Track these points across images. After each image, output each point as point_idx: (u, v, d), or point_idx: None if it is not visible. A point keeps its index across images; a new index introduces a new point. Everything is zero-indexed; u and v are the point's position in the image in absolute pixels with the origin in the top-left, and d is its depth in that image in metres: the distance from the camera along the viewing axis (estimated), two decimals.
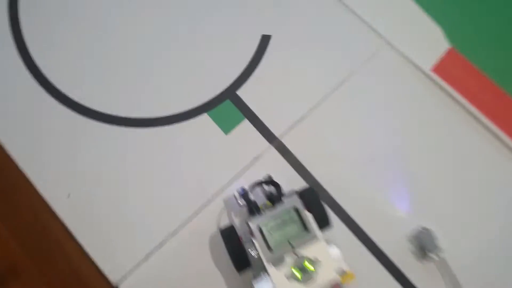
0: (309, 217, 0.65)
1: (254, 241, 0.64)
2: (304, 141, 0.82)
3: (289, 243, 0.64)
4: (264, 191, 0.71)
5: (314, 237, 0.64)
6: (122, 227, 0.76)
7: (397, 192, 0.79)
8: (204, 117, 0.84)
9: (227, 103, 0.86)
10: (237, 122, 0.84)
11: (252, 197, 0.69)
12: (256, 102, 0.85)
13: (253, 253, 0.65)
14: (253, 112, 0.89)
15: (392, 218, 0.77)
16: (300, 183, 0.78)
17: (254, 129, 0.83)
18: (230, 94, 0.86)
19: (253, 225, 0.65)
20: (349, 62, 0.87)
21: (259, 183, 0.71)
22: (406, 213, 0.77)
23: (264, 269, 0.63)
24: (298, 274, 0.62)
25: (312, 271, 0.62)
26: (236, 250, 0.66)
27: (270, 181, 0.71)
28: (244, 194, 0.69)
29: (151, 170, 0.80)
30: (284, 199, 0.67)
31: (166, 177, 0.79)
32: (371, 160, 0.80)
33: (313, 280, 0.61)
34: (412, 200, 0.78)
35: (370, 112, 0.85)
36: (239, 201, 0.69)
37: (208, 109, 0.85)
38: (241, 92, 0.86)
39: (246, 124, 0.84)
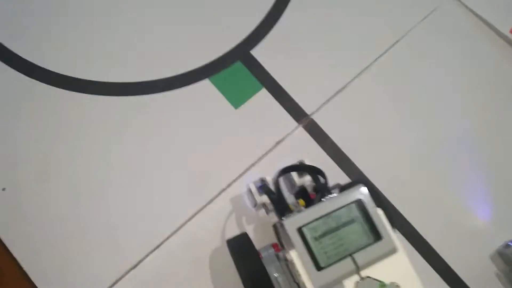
0: (381, 217, 0.48)
1: (289, 254, 0.45)
2: (343, 120, 0.66)
3: (351, 258, 0.45)
4: (291, 184, 0.55)
5: (391, 247, 0.46)
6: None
7: (473, 193, 0.63)
8: (205, 84, 0.66)
9: (238, 66, 0.68)
10: (251, 92, 0.66)
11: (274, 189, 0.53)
12: (278, 67, 0.68)
13: (280, 278, 0.49)
14: (273, 79, 0.67)
15: (467, 229, 0.62)
16: (340, 177, 0.63)
17: (276, 102, 0.66)
18: (242, 54, 0.69)
19: (290, 226, 0.45)
20: (402, 19, 0.73)
21: (287, 170, 0.54)
22: (487, 222, 0.62)
23: None
24: None
25: None
26: (253, 271, 0.49)
27: (307, 167, 0.54)
28: (263, 187, 0.53)
29: (124, 162, 0.62)
30: (336, 191, 0.50)
31: (146, 173, 0.62)
32: (435, 147, 0.66)
33: None
34: (494, 205, 0.62)
35: (431, 82, 0.69)
36: (255, 198, 0.53)
37: (211, 74, 0.67)
38: (257, 52, 0.69)
39: (263, 95, 0.66)
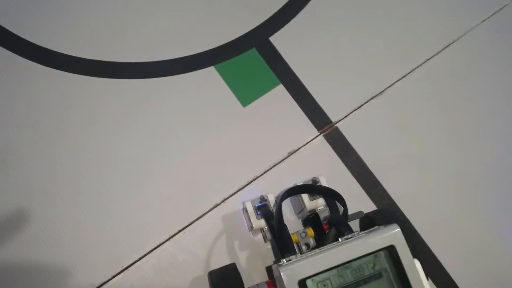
0: (420, 272, 0.35)
1: None
2: (374, 132, 0.54)
3: None
4: (300, 206, 0.45)
5: None
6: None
7: None
8: (209, 73, 0.54)
9: (251, 54, 0.56)
10: (265, 87, 0.54)
11: (276, 214, 0.42)
12: (301, 60, 0.56)
13: None
14: (294, 74, 0.55)
15: None
16: (363, 201, 0.50)
17: (294, 103, 0.54)
18: (258, 40, 0.56)
19: (289, 277, 0.34)
20: (462, 16, 0.59)
21: (295, 191, 0.44)
22: None
23: None
24: None
25: None
26: None
27: (322, 189, 0.44)
28: (262, 208, 0.44)
29: (112, 161, 0.51)
30: (356, 229, 0.39)
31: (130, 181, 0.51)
32: (485, 177, 0.52)
33: None
34: None
35: (486, 95, 0.56)
36: (251, 220, 0.43)
37: (218, 60, 0.55)
38: (276, 40, 0.57)
39: (279, 93, 0.54)
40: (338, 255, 0.34)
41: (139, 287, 0.45)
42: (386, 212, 0.43)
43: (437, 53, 0.57)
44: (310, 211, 0.44)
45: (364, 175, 0.50)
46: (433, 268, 0.47)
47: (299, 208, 0.45)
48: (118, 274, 0.45)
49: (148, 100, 0.52)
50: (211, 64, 0.53)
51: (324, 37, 0.57)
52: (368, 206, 0.49)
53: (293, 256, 0.35)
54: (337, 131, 0.52)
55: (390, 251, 0.34)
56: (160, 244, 0.46)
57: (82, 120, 0.51)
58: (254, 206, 0.43)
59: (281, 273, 0.33)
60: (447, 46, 0.57)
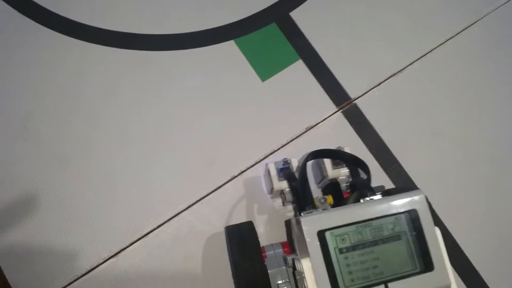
0: (439, 240, 0.35)
1: (300, 263, 0.34)
2: (393, 110, 0.53)
3: (385, 286, 0.34)
4: (322, 174, 0.45)
5: (445, 284, 0.34)
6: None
7: None
8: (229, 47, 0.54)
9: (272, 29, 0.55)
10: (284, 62, 0.54)
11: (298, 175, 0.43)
12: (321, 35, 0.56)
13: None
14: (314, 49, 0.55)
15: None
16: (381, 179, 0.50)
17: (313, 78, 0.53)
18: (278, 15, 0.56)
19: (309, 226, 0.34)
20: None
21: (320, 154, 0.43)
22: None
23: None
24: None
25: None
26: (250, 271, 0.38)
27: (347, 156, 0.43)
28: (284, 170, 0.44)
29: (120, 128, 0.51)
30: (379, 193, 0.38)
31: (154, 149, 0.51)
32: (506, 156, 0.51)
33: None
34: None
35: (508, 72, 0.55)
36: (272, 182, 0.44)
37: (238, 34, 0.54)
38: (297, 15, 0.56)
39: (298, 68, 0.54)
40: (359, 212, 0.34)
41: (156, 254, 0.46)
42: (407, 189, 0.43)
43: (457, 33, 0.56)
44: (331, 180, 0.44)
45: (381, 152, 0.50)
46: (450, 249, 0.47)
47: (320, 177, 0.45)
48: (137, 241, 0.46)
49: (169, 71, 0.52)
50: (231, 38, 0.53)
51: (344, 13, 0.56)
52: (385, 183, 0.49)
53: (314, 210, 0.35)
54: (356, 107, 0.52)
55: (412, 215, 0.34)
56: (178, 213, 0.47)
57: (101, 90, 0.51)
58: (277, 168, 0.43)
59: (302, 222, 0.33)
60: (468, 26, 0.56)
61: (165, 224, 0.47)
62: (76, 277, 0.45)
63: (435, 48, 0.55)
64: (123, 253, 0.46)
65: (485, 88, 0.54)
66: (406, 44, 0.55)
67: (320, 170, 0.45)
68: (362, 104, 0.52)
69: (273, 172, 0.43)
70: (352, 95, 0.52)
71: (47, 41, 0.53)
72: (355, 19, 0.56)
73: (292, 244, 0.38)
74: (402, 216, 0.34)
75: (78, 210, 0.47)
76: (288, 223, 0.45)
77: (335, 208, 0.35)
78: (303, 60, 0.53)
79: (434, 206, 0.49)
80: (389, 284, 0.33)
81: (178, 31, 0.54)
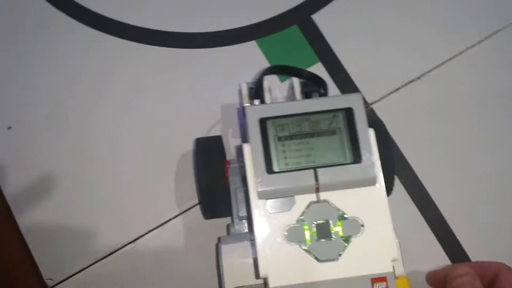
0: (371, 136, 0.38)
1: (244, 148, 0.38)
2: (409, 117, 0.54)
3: (314, 172, 0.37)
4: None
5: (370, 177, 0.37)
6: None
7: None
8: (251, 47, 0.56)
9: (293, 31, 0.56)
10: (303, 64, 0.54)
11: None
12: (341, 39, 0.56)
13: (239, 190, 0.44)
14: (333, 52, 0.55)
15: None
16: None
17: (331, 81, 0.54)
18: (300, 17, 0.57)
19: (252, 114, 0.38)
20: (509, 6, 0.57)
21: (277, 70, 0.51)
22: None
23: (248, 213, 0.41)
24: (308, 236, 0.37)
25: (343, 239, 0.37)
26: (211, 176, 0.43)
27: (307, 73, 0.50)
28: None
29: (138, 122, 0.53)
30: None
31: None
32: None
33: (337, 260, 0.36)
34: None
35: None
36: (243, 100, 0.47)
37: (260, 35, 0.56)
38: (319, 18, 0.57)
39: (317, 71, 0.53)
40: (300, 105, 0.38)
41: (174, 242, 0.48)
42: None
43: (479, 42, 0.55)
44: None
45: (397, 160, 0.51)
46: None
47: None
48: (155, 228, 0.49)
49: (189, 69, 0.54)
50: (254, 38, 0.55)
51: (366, 18, 0.57)
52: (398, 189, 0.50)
53: (259, 101, 0.43)
54: (372, 112, 0.53)
55: (348, 113, 0.38)
56: (195, 205, 0.49)
57: (126, 84, 0.54)
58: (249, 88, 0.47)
59: (246, 110, 0.38)
60: (491, 35, 0.56)
61: (182, 214, 0.49)
62: (95, 260, 0.48)
63: (454, 57, 0.55)
64: (141, 239, 0.49)
65: (505, 101, 0.54)
66: (426, 52, 0.55)
67: None
68: (378, 108, 0.53)
69: (244, 92, 0.47)
70: (369, 99, 0.53)
71: (80, 36, 0.55)
72: (377, 24, 0.56)
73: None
74: (340, 113, 0.38)
75: (97, 200, 0.50)
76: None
77: (280, 102, 0.39)
78: (322, 63, 0.54)
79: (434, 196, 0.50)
80: (318, 170, 0.37)
81: (202, 30, 0.55)
